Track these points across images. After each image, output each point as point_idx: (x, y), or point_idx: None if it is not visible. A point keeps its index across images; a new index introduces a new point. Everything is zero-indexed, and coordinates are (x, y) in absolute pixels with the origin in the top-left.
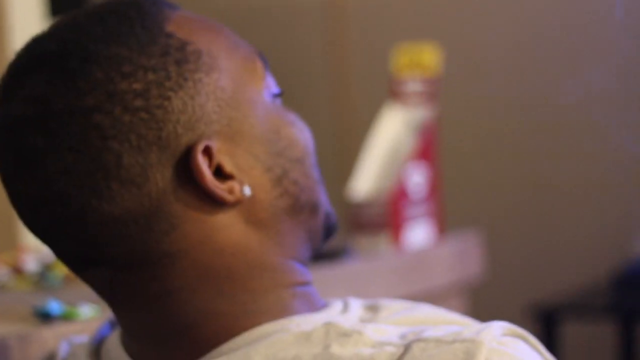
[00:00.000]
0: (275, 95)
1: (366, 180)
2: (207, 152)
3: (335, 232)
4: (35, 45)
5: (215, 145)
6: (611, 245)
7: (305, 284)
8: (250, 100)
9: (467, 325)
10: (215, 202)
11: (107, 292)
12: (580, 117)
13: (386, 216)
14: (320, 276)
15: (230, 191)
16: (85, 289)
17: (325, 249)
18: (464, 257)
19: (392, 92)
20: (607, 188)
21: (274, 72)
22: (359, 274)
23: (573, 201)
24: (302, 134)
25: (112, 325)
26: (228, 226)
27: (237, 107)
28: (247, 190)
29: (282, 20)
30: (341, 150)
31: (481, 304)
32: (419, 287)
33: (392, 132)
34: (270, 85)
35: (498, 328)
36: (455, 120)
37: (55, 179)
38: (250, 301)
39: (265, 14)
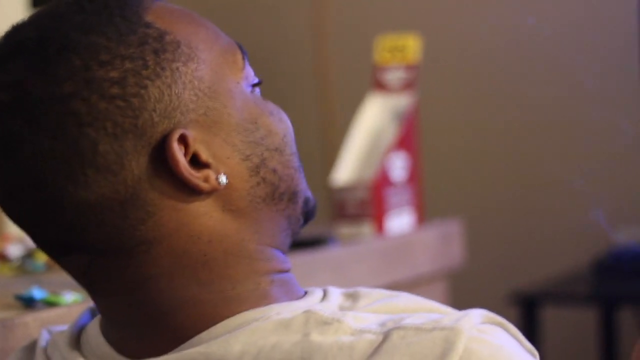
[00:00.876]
0: (255, 85)
1: (349, 168)
2: (183, 140)
3: (314, 216)
4: (15, 33)
5: (191, 134)
6: (593, 234)
7: (285, 271)
8: (228, 91)
9: (446, 314)
10: (190, 190)
11: (85, 278)
12: (562, 106)
13: (369, 204)
14: (304, 263)
15: (206, 179)
16: (67, 276)
17: (309, 236)
18: (445, 245)
19: (375, 81)
20: (590, 177)
21: (258, 63)
22: (342, 260)
23: (555, 190)
24: (281, 124)
25: (92, 313)
26: (204, 214)
27: (214, 97)
28: (223, 179)
29: (266, 11)
30: (324, 139)
31: (463, 291)
32: (402, 273)
33: (374, 120)
34: (250, 76)
35: (477, 316)
36: (435, 109)
37: (32, 164)
38: (228, 288)
39: (250, 4)
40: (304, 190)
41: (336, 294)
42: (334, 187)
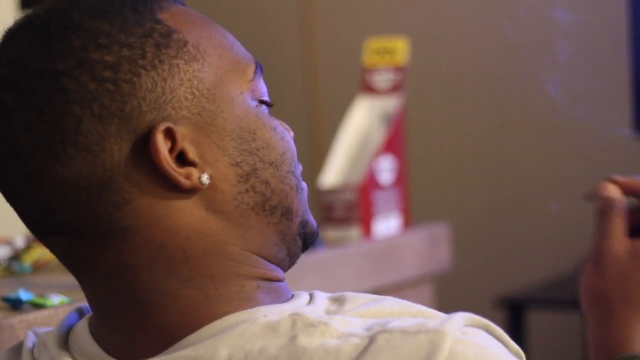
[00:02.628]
0: (262, 102)
1: (337, 171)
2: (171, 135)
3: (314, 241)
4: (30, 13)
5: (180, 130)
6: (578, 238)
7: (274, 279)
8: (229, 97)
9: (432, 317)
10: (171, 185)
11: (67, 260)
12: (550, 110)
13: (356, 207)
14: None
15: (188, 176)
16: (54, 277)
17: None
18: (432, 248)
19: (363, 83)
20: (575, 182)
21: None
22: (329, 263)
23: (541, 194)
24: (282, 142)
25: (79, 313)
26: (184, 209)
27: (212, 100)
28: (205, 179)
29: (255, 13)
30: (313, 141)
31: (449, 295)
32: (388, 277)
33: (362, 123)
34: (258, 91)
35: (461, 319)
36: (422, 113)
37: (18, 136)
38: (210, 287)
39: (237, 7)
40: (302, 211)
41: (322, 297)
42: (321, 189)
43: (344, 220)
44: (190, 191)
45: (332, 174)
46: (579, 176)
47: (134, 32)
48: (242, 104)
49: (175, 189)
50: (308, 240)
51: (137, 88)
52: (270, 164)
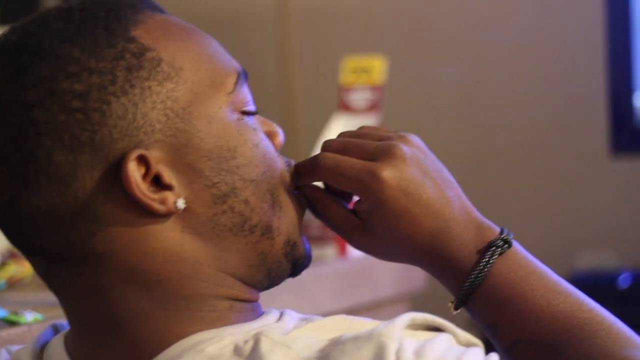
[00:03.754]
0: (245, 113)
1: None
2: (144, 160)
3: (305, 264)
4: (4, 36)
5: (154, 154)
6: (554, 257)
7: (248, 300)
8: (206, 115)
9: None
10: (145, 210)
11: (45, 278)
12: (526, 130)
13: None
14: None
15: (162, 202)
16: (28, 294)
17: None
18: (408, 267)
19: (340, 102)
20: (554, 204)
21: None
22: (304, 282)
23: (519, 215)
24: (264, 158)
25: (54, 330)
26: (159, 234)
27: (188, 119)
28: (180, 203)
29: (232, 31)
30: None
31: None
32: (364, 295)
33: None
34: (239, 102)
35: (406, 318)
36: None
37: None
38: (183, 307)
39: (214, 24)
40: (286, 230)
41: (293, 317)
42: None
43: (320, 239)
44: (166, 215)
45: None
46: (562, 199)
47: (105, 55)
48: (221, 120)
49: (150, 214)
50: (298, 264)
51: (107, 116)
52: (251, 181)
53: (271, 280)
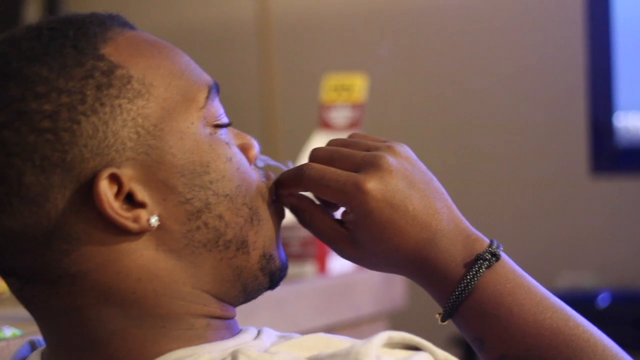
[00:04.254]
0: (218, 126)
1: None
2: (116, 178)
3: (282, 277)
4: None
5: (126, 172)
6: (536, 278)
7: (225, 317)
8: (178, 131)
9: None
10: (119, 229)
11: (20, 299)
12: (506, 150)
13: (312, 243)
14: None
15: (136, 220)
16: (6, 309)
17: None
18: (387, 285)
19: (320, 119)
20: (534, 223)
21: None
22: (283, 299)
23: (499, 234)
24: (237, 172)
25: (31, 346)
26: (134, 251)
27: (160, 136)
28: (154, 221)
29: (213, 48)
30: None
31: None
32: (343, 313)
33: None
34: (212, 116)
35: (384, 336)
36: None
37: None
38: (159, 325)
39: (196, 41)
40: (263, 244)
41: (271, 335)
42: None
43: (300, 257)
44: (139, 233)
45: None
46: (536, 216)
47: (74, 75)
48: (194, 135)
49: (124, 232)
50: (275, 277)
51: (78, 136)
52: (225, 196)
53: (247, 295)
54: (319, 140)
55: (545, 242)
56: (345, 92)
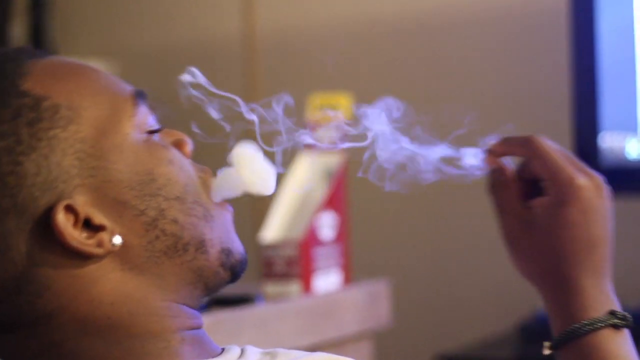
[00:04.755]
0: (152, 132)
1: (278, 226)
2: (71, 209)
3: (242, 269)
4: None
5: (79, 199)
6: (519, 297)
7: (195, 327)
8: (115, 146)
9: None
10: (85, 257)
11: None
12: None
13: (297, 263)
14: (230, 320)
15: (99, 244)
16: None
17: (235, 293)
18: (372, 305)
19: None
20: None
21: (188, 113)
22: (268, 319)
23: (481, 252)
24: (181, 172)
25: None
26: (102, 277)
27: (100, 155)
28: (117, 240)
29: (197, 64)
30: (255, 197)
31: (389, 352)
32: (328, 333)
33: (304, 179)
34: (144, 123)
35: None
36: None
37: None
38: (138, 346)
39: (181, 62)
40: (220, 239)
41: (254, 352)
42: (262, 244)
43: (284, 276)
44: (104, 256)
45: (273, 229)
46: None
47: (3, 117)
48: (131, 146)
49: (89, 259)
50: (237, 270)
51: (23, 177)
52: (176, 199)
53: (209, 292)
54: (304, 160)
55: None
56: (331, 112)
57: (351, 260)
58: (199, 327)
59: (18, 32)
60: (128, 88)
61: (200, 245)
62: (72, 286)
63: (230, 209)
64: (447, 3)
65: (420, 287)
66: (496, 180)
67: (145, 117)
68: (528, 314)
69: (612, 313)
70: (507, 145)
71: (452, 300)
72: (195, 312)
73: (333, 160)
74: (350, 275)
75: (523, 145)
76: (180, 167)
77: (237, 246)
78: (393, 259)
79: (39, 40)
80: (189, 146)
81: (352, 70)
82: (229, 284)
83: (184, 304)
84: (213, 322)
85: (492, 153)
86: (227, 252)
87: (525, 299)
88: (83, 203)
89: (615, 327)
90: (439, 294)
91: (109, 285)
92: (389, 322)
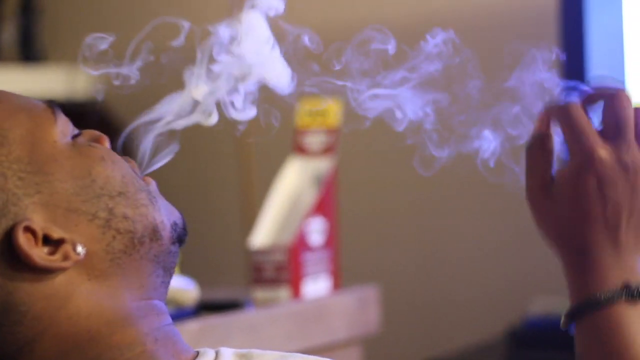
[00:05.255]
0: (76, 136)
1: (267, 231)
2: (29, 229)
3: (186, 234)
4: None
5: (34, 218)
6: (507, 303)
7: (163, 323)
8: (49, 156)
9: None
10: (54, 274)
11: None
12: (478, 176)
13: (286, 268)
14: (220, 325)
15: (65, 257)
16: None
17: (225, 298)
18: (361, 310)
19: (295, 144)
20: (506, 247)
21: (177, 131)
22: (257, 324)
23: (470, 258)
24: (115, 166)
25: None
26: (74, 291)
27: (38, 169)
28: (81, 249)
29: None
30: (244, 201)
31: (378, 357)
32: (317, 338)
33: (293, 184)
34: (67, 129)
35: None
36: (353, 174)
37: None
38: (118, 355)
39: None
40: (167, 218)
41: (228, 354)
42: (251, 249)
43: (274, 281)
44: (71, 267)
45: (263, 235)
46: (510, 241)
47: None
48: (63, 153)
49: (58, 275)
50: (183, 238)
51: None
52: (119, 194)
53: (167, 272)
54: (294, 166)
55: (518, 267)
56: (320, 117)
57: (340, 266)
58: (168, 323)
59: (7, 37)
60: (40, 101)
61: (154, 233)
62: (49, 306)
63: (153, 181)
64: (433, 14)
65: (409, 293)
66: (537, 144)
67: (66, 124)
68: (517, 319)
69: (627, 286)
70: (552, 112)
71: (441, 306)
72: (161, 306)
73: (323, 165)
74: (340, 281)
75: (558, 113)
76: (113, 161)
77: (177, 214)
78: (382, 264)
79: (28, 45)
80: (106, 140)
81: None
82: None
83: (149, 299)
84: (202, 327)
85: (546, 117)
86: (174, 225)
87: (514, 305)
88: (38, 221)
89: (629, 301)
90: (427, 300)
91: (82, 297)
92: (378, 327)
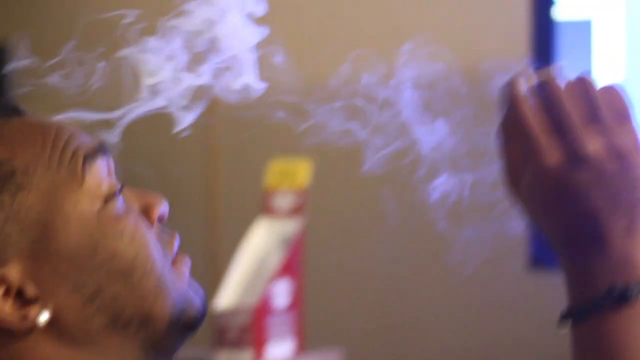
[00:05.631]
0: (109, 197)
1: (232, 293)
2: (2, 279)
3: (201, 320)
4: None
5: (12, 270)
6: None
7: None
8: (62, 216)
9: None
10: (20, 331)
11: None
12: (445, 235)
13: (250, 330)
14: None
15: (24, 317)
16: None
17: (190, 358)
18: None
19: (264, 205)
20: (467, 311)
21: (150, 182)
22: None
23: (436, 323)
24: (131, 246)
25: None
26: (35, 347)
27: (44, 225)
28: (44, 317)
29: (159, 132)
30: (210, 261)
31: None
32: None
33: (260, 245)
34: (98, 186)
35: None
36: (320, 234)
37: None
38: None
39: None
40: (174, 304)
41: None
42: (215, 311)
43: (237, 343)
44: (30, 331)
45: (227, 296)
46: (476, 307)
47: None
48: (80, 216)
49: (28, 334)
50: (193, 324)
51: None
52: (121, 274)
53: (166, 354)
54: (262, 226)
55: (485, 334)
56: (290, 177)
57: (305, 329)
58: None
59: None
60: (84, 145)
61: (145, 320)
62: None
63: (188, 261)
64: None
65: (373, 356)
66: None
67: (100, 181)
68: None
69: (611, 289)
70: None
71: None
72: None
73: (290, 226)
74: (304, 344)
75: (541, 88)
76: (132, 238)
77: (194, 301)
78: (347, 328)
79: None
80: (157, 210)
81: (312, 137)
82: (189, 335)
83: None
84: None
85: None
86: (179, 313)
87: None
88: (17, 273)
89: (614, 306)
90: None
91: (44, 355)
92: None
